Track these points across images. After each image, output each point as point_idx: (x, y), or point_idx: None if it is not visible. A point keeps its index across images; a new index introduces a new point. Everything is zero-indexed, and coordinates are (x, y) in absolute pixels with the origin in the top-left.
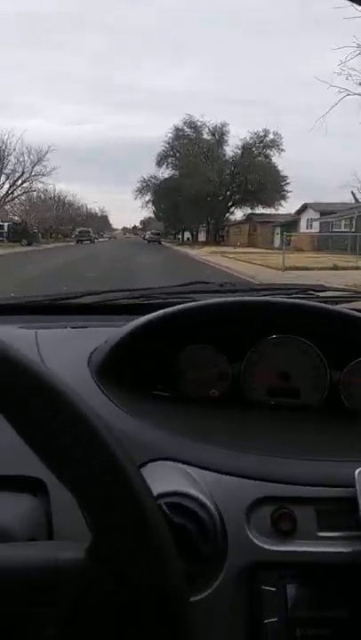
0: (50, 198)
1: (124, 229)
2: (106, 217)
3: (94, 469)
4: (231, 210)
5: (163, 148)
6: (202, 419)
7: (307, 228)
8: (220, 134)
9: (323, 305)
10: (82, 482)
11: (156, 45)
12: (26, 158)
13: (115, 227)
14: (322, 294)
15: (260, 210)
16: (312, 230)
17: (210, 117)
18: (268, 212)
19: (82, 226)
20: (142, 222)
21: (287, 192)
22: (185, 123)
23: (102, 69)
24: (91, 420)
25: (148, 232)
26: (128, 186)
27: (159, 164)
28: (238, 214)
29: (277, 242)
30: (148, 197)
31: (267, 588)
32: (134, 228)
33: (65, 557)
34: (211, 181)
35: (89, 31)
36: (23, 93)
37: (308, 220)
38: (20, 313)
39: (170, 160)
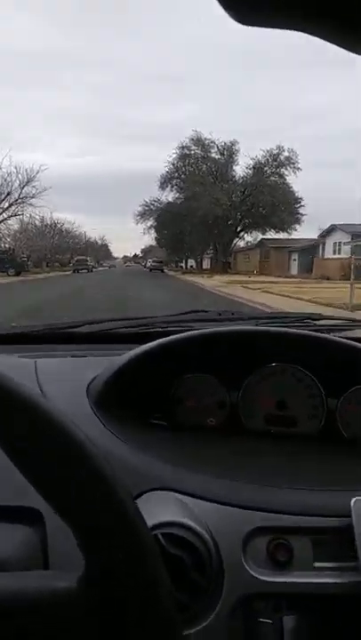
0: (45, 225)
1: (125, 258)
2: (106, 246)
3: (89, 500)
4: (241, 235)
5: (166, 169)
6: (199, 447)
7: (334, 252)
8: (229, 153)
9: (318, 334)
10: (76, 512)
11: (158, 78)
12: (14, 178)
13: (115, 255)
14: (319, 322)
15: (271, 234)
16: (341, 255)
17: (219, 135)
18: (281, 237)
19: (81, 254)
20: (143, 251)
21: (302, 215)
22: (192, 140)
23: (102, 104)
24: (88, 450)
25: (150, 260)
26: (129, 216)
27: (162, 186)
28: (246, 239)
29: (295, 269)
30: (150, 222)
31: (263, 619)
32: (135, 256)
33: (59, 586)
34: (220, 204)
35: (89, 68)
36: (23, 127)
37: (335, 243)
38: (20, 342)
39: (174, 182)
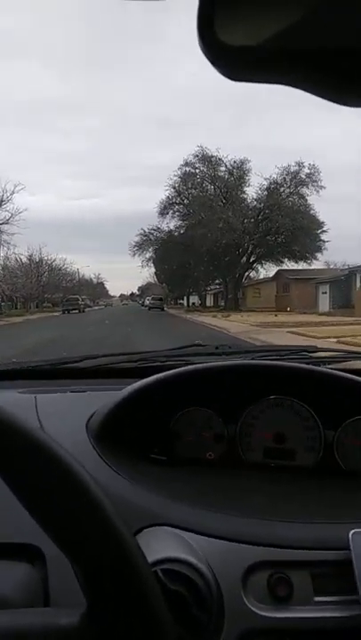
0: (32, 262)
1: (122, 296)
2: (102, 284)
3: (91, 537)
4: (254, 266)
5: (167, 193)
6: (198, 482)
7: None
8: (239, 173)
9: (313, 367)
10: (77, 550)
11: (156, 123)
12: None
13: (112, 294)
14: (314, 355)
15: (286, 265)
16: None
17: (226, 152)
18: (300, 268)
19: (74, 293)
20: (140, 288)
21: (324, 242)
22: (196, 157)
23: (101, 148)
24: (88, 487)
25: (148, 297)
26: (125, 255)
27: (162, 212)
28: (253, 271)
29: (325, 304)
30: (149, 254)
31: None
32: (132, 294)
33: (63, 623)
34: (233, 229)
35: (89, 114)
36: (22, 171)
37: None
38: (20, 378)
39: (176, 208)
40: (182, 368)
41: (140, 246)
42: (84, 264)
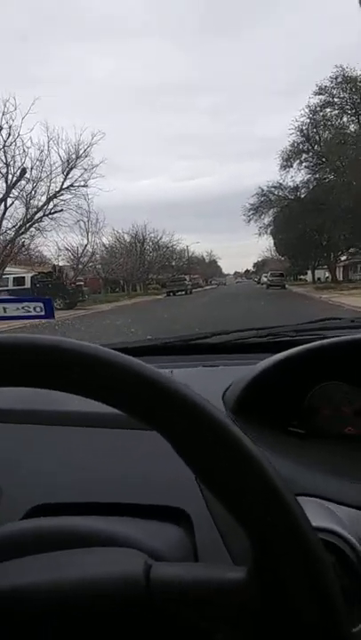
0: (138, 240)
1: (236, 274)
2: (215, 262)
3: (260, 500)
4: None
5: (292, 138)
6: (339, 456)
7: None
8: None
9: None
10: (247, 513)
11: (270, 93)
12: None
13: (226, 272)
14: None
15: None
16: None
17: None
18: None
19: (184, 272)
20: (255, 265)
21: None
22: (334, 79)
23: (215, 126)
24: (253, 452)
25: (266, 274)
26: (239, 232)
27: (285, 164)
28: None
29: None
30: (268, 218)
31: None
32: (246, 272)
33: (228, 577)
34: None
35: (202, 94)
36: (139, 154)
37: None
38: (155, 354)
39: (303, 157)
40: (321, 341)
41: (256, 209)
42: (194, 242)
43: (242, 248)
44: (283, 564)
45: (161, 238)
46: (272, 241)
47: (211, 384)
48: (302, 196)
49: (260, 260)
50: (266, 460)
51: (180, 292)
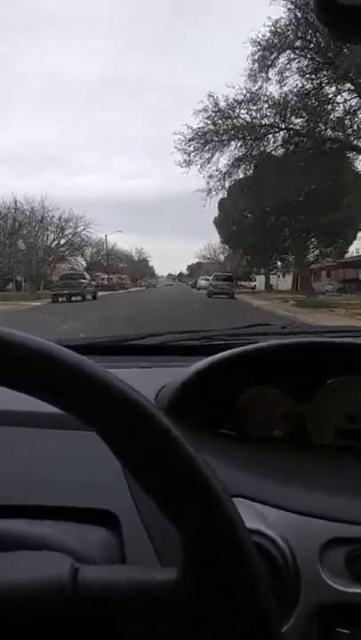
0: (35, 219)
1: (170, 276)
2: (146, 261)
3: (192, 496)
4: None
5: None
6: (268, 458)
7: None
8: None
9: None
10: (177, 506)
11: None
12: None
13: (160, 273)
14: None
15: None
16: None
17: None
18: None
19: (105, 271)
20: (189, 267)
21: None
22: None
23: (154, 126)
24: (188, 451)
25: (205, 277)
26: (175, 235)
27: (261, 63)
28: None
29: None
30: (223, 162)
31: (340, 630)
32: (180, 275)
33: (158, 578)
34: None
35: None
36: (78, 151)
37: None
38: (88, 353)
39: (292, 56)
40: (252, 345)
41: (205, 140)
42: (131, 244)
43: (177, 252)
44: (217, 564)
45: (76, 227)
46: (211, 241)
47: (144, 385)
48: (297, 120)
49: (194, 263)
50: (200, 457)
51: (76, 296)
